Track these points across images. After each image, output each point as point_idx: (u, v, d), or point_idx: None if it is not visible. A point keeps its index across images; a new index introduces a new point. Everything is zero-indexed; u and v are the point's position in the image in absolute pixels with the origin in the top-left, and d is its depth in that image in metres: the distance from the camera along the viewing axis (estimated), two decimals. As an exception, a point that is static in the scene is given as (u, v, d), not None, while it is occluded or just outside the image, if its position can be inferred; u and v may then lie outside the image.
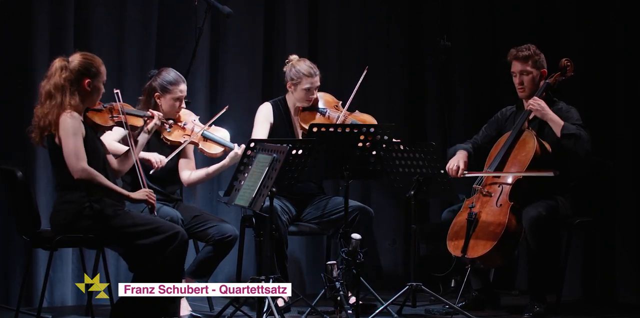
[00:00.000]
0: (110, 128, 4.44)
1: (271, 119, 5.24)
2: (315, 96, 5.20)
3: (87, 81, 4.30)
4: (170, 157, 4.78)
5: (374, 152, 4.81)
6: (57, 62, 4.30)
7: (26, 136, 5.21)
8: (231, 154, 4.92)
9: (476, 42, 6.33)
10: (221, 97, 5.84)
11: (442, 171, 4.74)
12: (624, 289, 5.59)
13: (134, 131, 4.48)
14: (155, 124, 4.55)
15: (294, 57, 5.24)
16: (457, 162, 5.08)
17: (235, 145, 4.92)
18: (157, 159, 4.75)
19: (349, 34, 6.25)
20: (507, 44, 5.72)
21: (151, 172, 4.75)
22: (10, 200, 4.63)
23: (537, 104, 5.01)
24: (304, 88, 5.15)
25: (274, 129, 5.24)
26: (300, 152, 4.57)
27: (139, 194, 4.31)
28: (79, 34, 5.42)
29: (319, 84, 5.19)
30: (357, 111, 5.24)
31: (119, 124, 4.41)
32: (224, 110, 4.97)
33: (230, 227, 4.87)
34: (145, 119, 4.53)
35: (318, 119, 5.18)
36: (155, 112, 4.59)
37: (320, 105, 5.24)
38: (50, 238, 4.34)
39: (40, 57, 5.30)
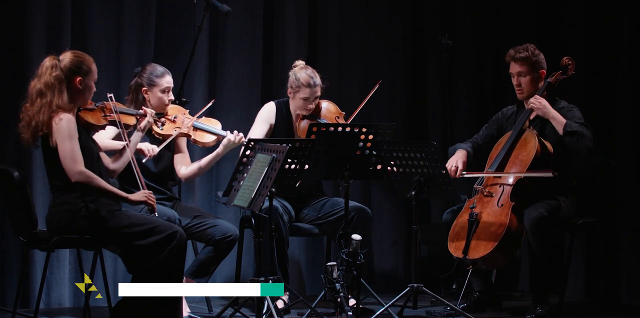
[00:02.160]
0: (103, 127, 4.41)
1: (272, 121, 5.20)
2: (313, 106, 5.14)
3: (78, 79, 4.26)
4: (162, 146, 4.74)
5: (374, 152, 4.77)
6: (48, 61, 4.25)
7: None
8: (224, 141, 4.89)
9: (479, 40, 6.31)
10: (220, 96, 5.81)
11: (444, 171, 4.69)
12: (628, 290, 5.57)
13: (127, 129, 4.44)
14: (148, 121, 4.52)
15: (299, 63, 5.18)
16: (455, 162, 5.05)
17: (228, 132, 4.89)
18: (149, 147, 4.72)
19: (349, 33, 6.21)
20: (510, 41, 5.69)
21: (143, 160, 4.72)
22: (7, 200, 4.60)
23: (538, 103, 4.97)
24: (302, 97, 5.11)
25: (274, 131, 5.20)
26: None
27: (138, 196, 4.27)
28: (76, 32, 5.39)
29: (318, 94, 5.13)
30: None
31: (112, 123, 4.38)
32: (210, 103, 4.96)
33: (231, 227, 4.84)
34: (138, 116, 4.50)
35: None
36: (148, 110, 4.56)
37: (322, 115, 5.18)
38: (47, 239, 4.30)
39: (37, 56, 5.25)
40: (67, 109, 4.20)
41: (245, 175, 4.38)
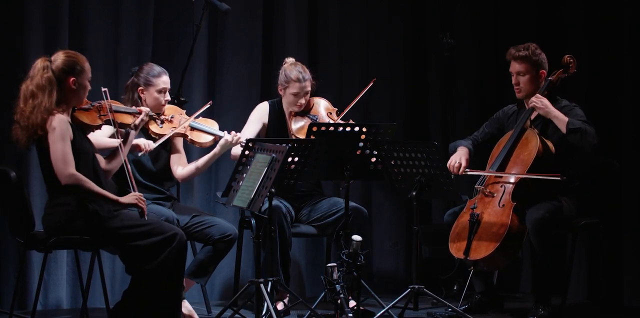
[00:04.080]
0: (99, 127, 4.37)
1: (265, 120, 5.19)
2: (304, 102, 5.12)
3: (72, 79, 4.21)
4: (158, 143, 4.70)
5: (375, 152, 4.74)
6: (40, 63, 4.22)
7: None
8: (221, 141, 4.86)
9: (479, 40, 6.28)
10: (219, 95, 5.78)
11: (441, 164, 4.65)
12: (630, 291, 5.54)
13: (123, 128, 4.40)
14: (142, 119, 4.47)
15: (289, 60, 5.19)
16: (459, 158, 5.01)
17: (225, 132, 4.85)
18: (145, 142, 4.69)
19: (349, 33, 6.19)
20: (510, 41, 5.66)
21: (140, 154, 4.68)
22: (4, 201, 4.55)
23: (539, 102, 4.94)
24: (292, 92, 5.10)
25: (268, 129, 5.19)
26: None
27: (128, 198, 4.22)
28: (74, 30, 5.36)
29: (308, 89, 5.12)
30: (350, 121, 5.10)
31: (108, 123, 4.34)
32: (208, 105, 4.92)
33: (230, 226, 4.81)
34: (134, 115, 4.46)
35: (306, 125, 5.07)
36: (144, 108, 4.54)
37: (314, 111, 5.16)
38: (45, 240, 4.26)
39: (34, 57, 5.14)
40: (59, 110, 4.17)
41: (244, 175, 4.36)
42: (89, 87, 4.28)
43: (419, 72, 6.32)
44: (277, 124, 5.18)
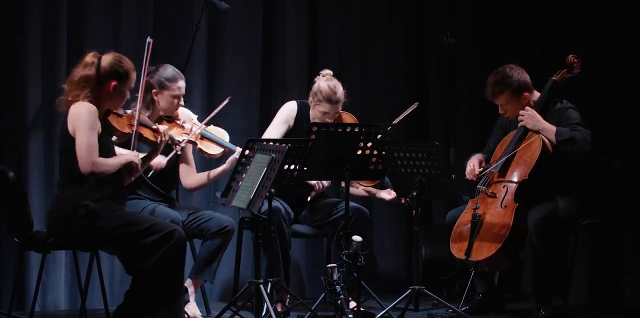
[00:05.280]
0: (125, 135, 4.32)
1: (292, 121, 5.11)
2: (330, 121, 5.00)
3: (113, 84, 4.19)
4: (169, 156, 4.68)
5: (375, 152, 4.72)
6: (89, 57, 4.20)
7: (18, 135, 5.18)
8: (230, 158, 4.82)
9: (479, 40, 6.27)
10: (219, 95, 5.76)
11: (442, 165, 4.63)
12: (630, 291, 5.53)
13: (141, 141, 4.38)
14: (162, 141, 4.42)
15: (326, 72, 5.06)
16: (472, 163, 5.02)
17: (237, 147, 4.80)
18: (156, 161, 4.64)
19: (349, 33, 6.18)
20: (510, 41, 5.67)
21: (150, 174, 4.65)
22: (2, 201, 4.53)
23: (525, 114, 4.91)
24: (321, 111, 5.01)
25: (291, 132, 5.11)
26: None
27: (129, 155, 4.22)
28: (73, 30, 5.34)
29: (338, 110, 5.01)
30: None
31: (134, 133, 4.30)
32: (225, 102, 4.85)
33: (227, 219, 4.79)
34: (154, 131, 4.41)
35: None
36: (162, 128, 4.44)
37: None
38: (43, 240, 4.25)
39: (34, 55, 5.22)
40: (92, 101, 4.15)
41: (244, 175, 4.34)
42: (128, 96, 4.26)
43: (419, 72, 6.31)
44: (301, 128, 5.05)
